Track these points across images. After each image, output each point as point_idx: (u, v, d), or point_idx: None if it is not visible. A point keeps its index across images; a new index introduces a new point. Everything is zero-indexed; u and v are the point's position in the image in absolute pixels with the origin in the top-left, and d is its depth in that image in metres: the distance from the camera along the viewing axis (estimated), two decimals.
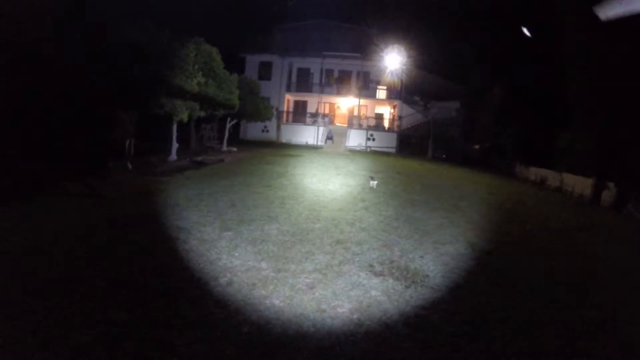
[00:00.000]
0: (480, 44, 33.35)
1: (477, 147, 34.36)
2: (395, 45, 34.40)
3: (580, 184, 18.41)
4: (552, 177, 21.12)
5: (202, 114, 19.05)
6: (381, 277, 6.15)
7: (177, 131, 18.89)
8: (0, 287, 5.00)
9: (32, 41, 11.39)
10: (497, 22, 31.61)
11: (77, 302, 4.72)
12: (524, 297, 5.95)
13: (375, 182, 13.82)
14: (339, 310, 5.03)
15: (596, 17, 15.85)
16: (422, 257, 7.26)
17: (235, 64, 30.04)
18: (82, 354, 3.80)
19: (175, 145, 18.63)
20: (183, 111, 16.23)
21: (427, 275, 6.40)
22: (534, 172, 23.52)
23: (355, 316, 4.91)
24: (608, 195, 16.42)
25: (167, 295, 5.09)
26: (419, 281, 6.13)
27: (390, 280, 6.06)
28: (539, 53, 23.37)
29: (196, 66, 16.97)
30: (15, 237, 6.66)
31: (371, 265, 6.57)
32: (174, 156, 18.37)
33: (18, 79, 11.17)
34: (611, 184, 16.38)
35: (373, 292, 5.61)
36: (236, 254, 6.59)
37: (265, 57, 37.65)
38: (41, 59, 11.57)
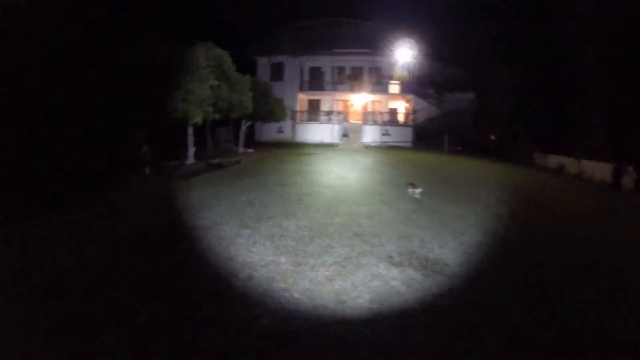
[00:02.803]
0: (493, 28, 32.91)
1: (493, 137, 33.96)
2: (406, 39, 34.13)
3: (599, 170, 18.11)
4: (571, 164, 20.81)
5: (217, 116, 19.16)
6: (400, 268, 6.13)
7: (193, 135, 19.07)
8: (23, 293, 5.13)
9: (52, 57, 11.64)
10: (510, 10, 31.28)
11: (99, 302, 4.82)
12: (548, 284, 5.89)
13: (419, 190, 11.25)
14: (359, 301, 5.03)
15: None
16: (441, 247, 7.22)
17: (247, 66, 30.15)
18: (107, 350, 3.88)
19: (191, 149, 18.81)
20: (197, 115, 16.35)
21: (447, 265, 6.37)
22: (552, 160, 23.20)
23: (375, 306, 4.91)
24: (628, 179, 16.14)
25: (188, 291, 5.16)
26: (438, 270, 6.11)
27: (410, 270, 6.05)
28: (554, 38, 23.07)
29: (208, 70, 17.09)
30: (40, 248, 6.82)
31: (390, 257, 6.56)
32: (191, 160, 18.54)
33: (36, 97, 11.42)
34: (630, 168, 16.08)
35: (392, 283, 5.60)
36: (255, 250, 6.64)
37: (277, 58, 37.71)
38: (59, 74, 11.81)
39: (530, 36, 26.13)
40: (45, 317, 4.46)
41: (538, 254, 7.20)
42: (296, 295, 5.11)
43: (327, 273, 5.81)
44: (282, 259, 6.27)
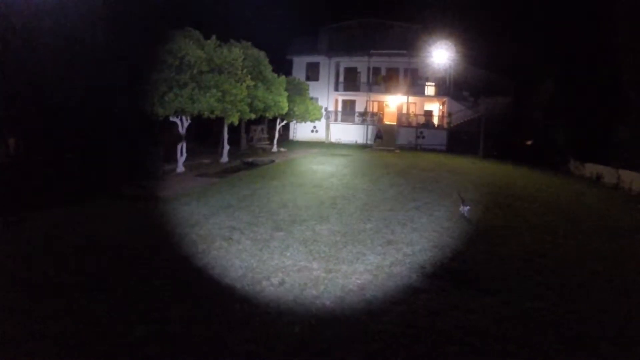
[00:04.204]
0: (530, 35, 32.13)
1: (529, 142, 33.20)
2: (443, 41, 33.73)
3: (638, 181, 17.48)
4: (609, 174, 20.12)
5: (252, 116, 19.40)
6: (432, 279, 6.09)
7: (228, 133, 19.35)
8: (61, 282, 5.33)
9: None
10: (547, 13, 30.49)
11: (132, 300, 4.97)
12: (573, 302, 5.75)
13: (468, 208, 9.89)
14: (390, 312, 5.03)
15: None
16: (474, 258, 7.14)
17: (283, 66, 30.44)
18: (138, 350, 3.99)
19: (226, 147, 19.10)
20: (233, 114, 16.58)
21: (478, 278, 6.28)
22: (589, 169, 22.50)
23: (406, 317, 4.89)
24: None
25: (220, 293, 5.26)
26: (470, 283, 6.04)
27: (441, 282, 6.00)
28: (594, 43, 22.38)
29: (244, 70, 17.30)
30: (75, 235, 7.06)
31: (423, 267, 6.52)
32: (225, 157, 18.83)
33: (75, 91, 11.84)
34: None
35: (422, 295, 5.57)
36: (288, 254, 6.72)
37: (313, 58, 37.88)
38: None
39: (571, 41, 25.40)
40: None
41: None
42: (327, 303, 5.14)
43: (359, 282, 5.82)
44: (315, 265, 6.32)
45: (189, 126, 16.07)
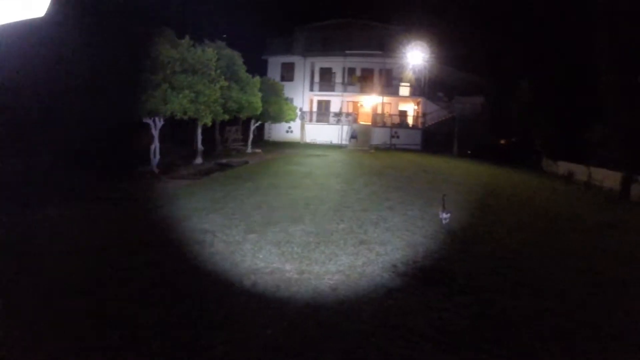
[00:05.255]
0: (506, 37, 32.69)
1: (503, 142, 33.82)
2: (418, 42, 34.10)
3: (609, 178, 17.96)
4: (581, 171, 20.65)
5: (226, 117, 19.25)
6: (405, 278, 6.13)
7: (202, 134, 19.16)
8: (34, 288, 5.18)
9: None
10: (523, 14, 31.05)
11: (107, 303, 4.88)
12: (548, 299, 5.86)
13: (448, 215, 9.02)
14: (363, 312, 5.03)
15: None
16: (447, 257, 7.20)
17: (257, 66, 30.32)
18: (112, 354, 3.91)
19: (200, 149, 18.91)
20: (207, 115, 16.43)
21: (452, 277, 6.34)
22: (562, 167, 23.06)
23: (378, 317, 4.91)
24: (638, 189, 15.96)
25: (193, 296, 5.19)
26: (443, 282, 6.09)
27: (414, 282, 6.04)
28: (569, 44, 22.85)
29: (218, 71, 17.15)
30: (54, 239, 6.89)
31: (395, 266, 6.56)
32: (199, 159, 18.64)
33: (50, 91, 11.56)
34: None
35: (396, 294, 5.59)
36: (261, 256, 6.66)
37: (288, 58, 37.83)
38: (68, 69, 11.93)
39: (546, 42, 25.90)
40: None
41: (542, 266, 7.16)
42: (299, 304, 5.12)
43: (331, 282, 5.81)
44: (288, 266, 6.29)
45: (162, 127, 15.84)
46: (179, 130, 21.59)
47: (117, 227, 8.15)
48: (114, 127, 14.42)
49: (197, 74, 15.62)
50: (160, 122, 15.51)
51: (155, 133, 15.38)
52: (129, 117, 14.02)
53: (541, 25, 27.30)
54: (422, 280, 6.10)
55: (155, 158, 15.31)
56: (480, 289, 5.94)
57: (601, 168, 18.91)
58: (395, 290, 5.71)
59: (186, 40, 15.60)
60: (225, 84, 17.74)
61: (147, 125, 15.28)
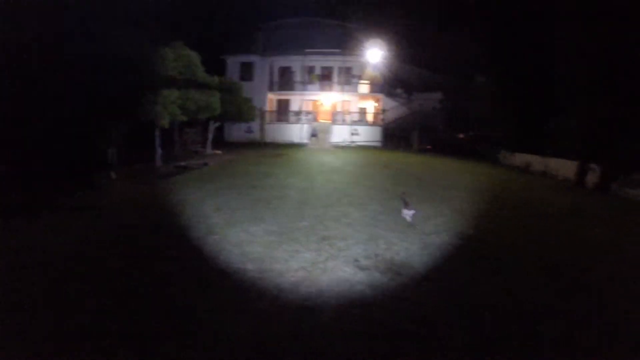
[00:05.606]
0: (464, 32, 33.24)
1: (462, 136, 34.53)
2: (377, 39, 34.40)
3: (564, 168, 18.62)
4: (537, 162, 21.33)
5: (184, 118, 18.93)
6: (367, 272, 6.18)
7: (161, 137, 18.78)
8: None
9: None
10: (481, 10, 31.66)
11: (64, 313, 4.73)
12: (510, 284, 6.03)
13: (411, 213, 8.88)
14: (325, 307, 5.05)
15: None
16: (407, 249, 7.30)
17: (216, 66, 29.83)
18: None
19: (159, 152, 18.54)
20: (165, 117, 16.12)
21: (413, 267, 6.44)
22: (519, 158, 23.74)
23: (340, 311, 4.93)
24: (592, 177, 16.60)
25: (156, 304, 5.09)
26: (404, 274, 6.17)
27: (376, 274, 6.10)
28: (525, 40, 23.43)
29: (176, 71, 16.86)
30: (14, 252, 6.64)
31: (357, 260, 6.61)
32: (158, 162, 18.28)
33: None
34: (595, 166, 16.54)
35: (358, 287, 5.63)
36: (221, 258, 6.59)
37: (247, 58, 37.43)
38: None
39: (503, 38, 26.48)
40: None
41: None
42: (261, 305, 5.09)
43: (294, 279, 5.81)
44: (249, 266, 6.25)
45: (119, 131, 15.44)
46: (136, 133, 21.12)
47: (73, 237, 7.88)
48: (70, 132, 13.96)
49: (154, 75, 15.29)
50: (121, 127, 15.11)
51: (113, 137, 15.00)
52: (85, 121, 13.59)
53: (498, 20, 27.91)
54: (384, 273, 6.16)
55: (113, 163, 14.92)
56: (443, 277, 6.06)
57: (557, 158, 19.56)
58: (358, 283, 5.76)
59: (145, 41, 15.22)
60: (184, 84, 17.43)
61: (104, 129, 14.86)
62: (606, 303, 5.59)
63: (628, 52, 15.04)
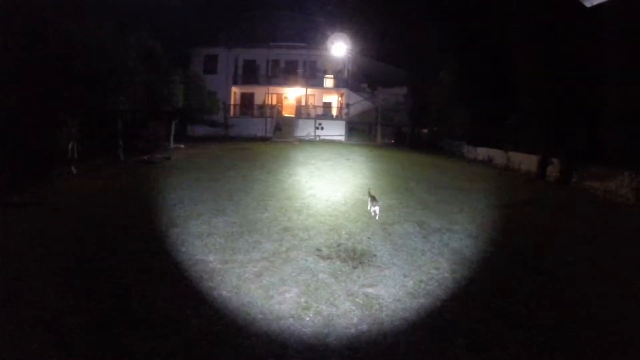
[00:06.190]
0: (429, 28, 33.63)
1: (425, 130, 35.08)
2: (342, 34, 34.53)
3: (526, 161, 19.15)
4: (499, 156, 21.86)
5: (146, 110, 18.56)
6: (329, 261, 6.25)
7: (124, 130, 18.35)
8: None
9: None
10: (443, 5, 32.15)
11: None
12: (466, 268, 6.21)
13: (378, 208, 8.89)
14: (287, 295, 5.09)
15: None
16: (369, 238, 7.41)
17: (180, 58, 29.32)
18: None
19: (120, 146, 18.13)
20: (126, 109, 15.78)
21: (375, 255, 6.55)
22: (482, 152, 24.27)
23: (302, 299, 4.98)
24: (553, 170, 17.10)
25: (116, 294, 5.03)
26: (366, 262, 6.27)
27: (338, 263, 6.18)
28: (488, 34, 23.88)
29: (138, 62, 16.49)
30: None
31: (319, 250, 6.67)
32: (121, 156, 17.89)
33: None
34: (555, 160, 17.03)
35: (320, 275, 5.70)
36: (183, 249, 6.54)
37: (211, 50, 36.89)
38: None
39: (466, 32, 26.93)
40: None
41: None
42: (224, 293, 5.10)
43: (255, 269, 5.83)
44: (211, 257, 6.23)
45: (81, 123, 14.95)
46: (99, 126, 20.57)
47: (30, 235, 7.64)
48: (26, 125, 13.46)
49: (116, 65, 14.88)
50: (77, 119, 14.66)
51: (74, 129, 14.54)
52: (43, 113, 13.13)
53: (459, 15, 28.43)
54: (345, 261, 6.25)
55: (74, 157, 14.49)
56: (399, 264, 6.18)
57: (518, 152, 20.09)
58: (320, 272, 5.82)
59: (105, 30, 14.78)
60: (146, 76, 17.07)
61: (63, 121, 14.37)
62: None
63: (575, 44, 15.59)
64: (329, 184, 12.54)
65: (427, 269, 6.13)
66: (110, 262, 6.04)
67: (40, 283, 5.29)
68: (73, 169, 14.17)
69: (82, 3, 15.10)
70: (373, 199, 9.14)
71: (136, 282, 5.40)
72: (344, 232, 7.67)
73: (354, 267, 6.04)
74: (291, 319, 4.52)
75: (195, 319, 4.49)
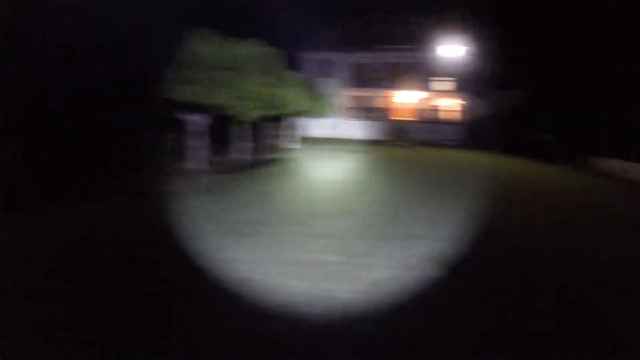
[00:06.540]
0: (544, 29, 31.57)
1: (548, 138, 32.78)
2: (456, 36, 33.52)
3: None
4: (630, 169, 19.34)
5: (266, 114, 19.38)
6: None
7: (241, 131, 19.36)
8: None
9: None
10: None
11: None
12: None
13: None
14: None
15: None
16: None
17: (293, 63, 30.29)
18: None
19: (236, 145, 19.14)
20: (248, 112, 16.60)
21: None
22: (602, 163, 21.68)
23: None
24: None
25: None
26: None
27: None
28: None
29: (258, 68, 17.31)
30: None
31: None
32: (239, 155, 18.88)
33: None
34: None
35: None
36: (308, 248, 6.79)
37: (323, 55, 37.74)
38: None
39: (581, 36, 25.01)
40: None
41: None
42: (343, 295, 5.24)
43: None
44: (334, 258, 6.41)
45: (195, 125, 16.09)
46: (222, 128, 21.90)
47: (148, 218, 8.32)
48: (143, 125, 14.69)
49: (234, 70, 15.79)
50: (202, 119, 15.78)
51: (194, 128, 15.65)
52: (158, 114, 14.31)
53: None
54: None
55: (200, 155, 15.57)
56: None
57: None
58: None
59: (223, 39, 15.82)
60: (266, 80, 17.87)
61: (178, 122, 15.52)
62: None
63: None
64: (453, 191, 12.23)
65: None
66: (217, 256, 6.42)
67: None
68: (196, 165, 15.21)
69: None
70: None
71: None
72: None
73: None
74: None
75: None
